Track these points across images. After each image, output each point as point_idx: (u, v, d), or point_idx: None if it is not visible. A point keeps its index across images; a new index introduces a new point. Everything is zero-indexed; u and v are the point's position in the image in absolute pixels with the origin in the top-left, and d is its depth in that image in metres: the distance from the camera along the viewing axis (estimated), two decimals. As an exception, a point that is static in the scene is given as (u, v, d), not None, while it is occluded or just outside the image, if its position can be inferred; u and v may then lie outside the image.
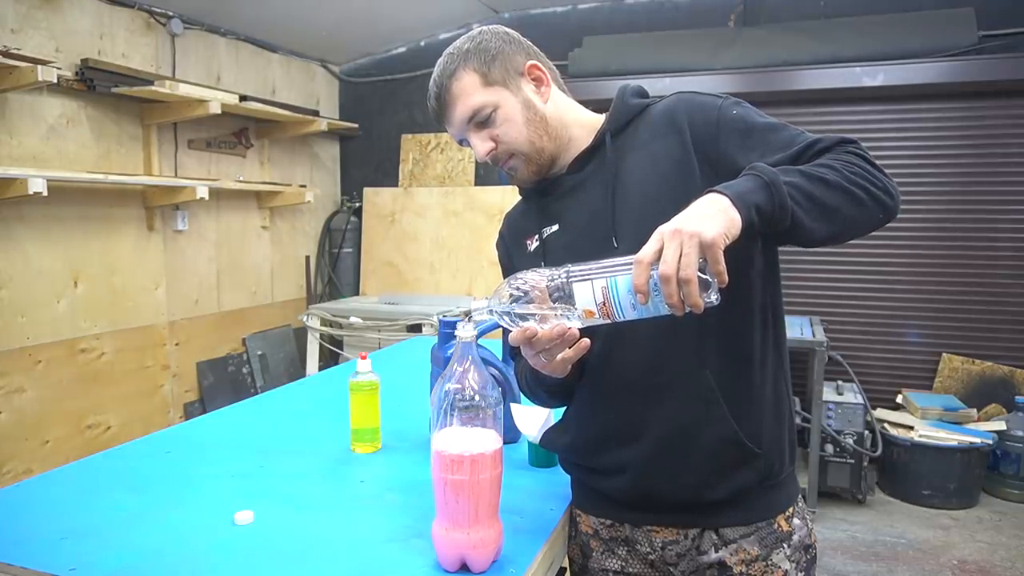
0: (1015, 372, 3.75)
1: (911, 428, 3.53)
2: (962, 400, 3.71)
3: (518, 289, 0.90)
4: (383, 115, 5.00)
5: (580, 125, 1.14)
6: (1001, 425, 3.52)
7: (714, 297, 0.83)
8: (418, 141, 4.93)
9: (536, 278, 0.90)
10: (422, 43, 4.82)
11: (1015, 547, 3.07)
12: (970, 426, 3.54)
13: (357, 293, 4.96)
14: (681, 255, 0.80)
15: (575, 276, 0.88)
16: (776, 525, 1.09)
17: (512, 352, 1.24)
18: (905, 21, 3.76)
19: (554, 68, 1.15)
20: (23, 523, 1.10)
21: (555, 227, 1.15)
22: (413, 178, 4.95)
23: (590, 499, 1.17)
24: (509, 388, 1.45)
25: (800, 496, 1.15)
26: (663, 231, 0.83)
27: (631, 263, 0.84)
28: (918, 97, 3.83)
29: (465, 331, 0.94)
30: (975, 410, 3.66)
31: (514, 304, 0.90)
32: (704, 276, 0.82)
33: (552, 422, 1.31)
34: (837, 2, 3.94)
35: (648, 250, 0.83)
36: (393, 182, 4.99)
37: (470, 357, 0.93)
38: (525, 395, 1.23)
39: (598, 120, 1.15)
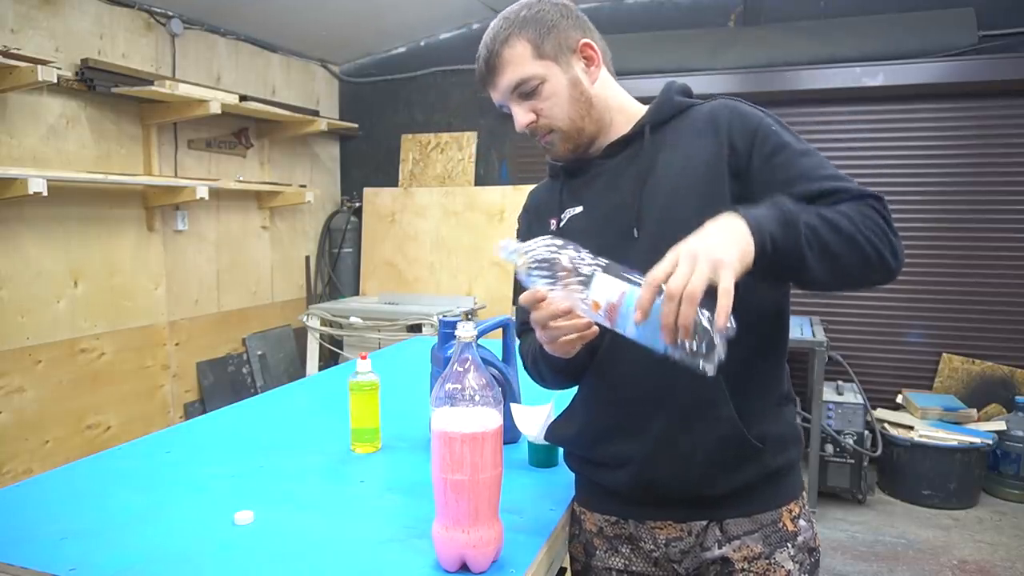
0: (1015, 372, 3.75)
1: (911, 428, 3.53)
2: (962, 400, 3.71)
3: (550, 253, 0.90)
4: (383, 115, 4.99)
5: (622, 112, 1.13)
6: (1001, 425, 3.52)
7: (713, 360, 0.81)
8: (418, 141, 4.93)
9: (572, 254, 0.90)
10: (422, 43, 4.82)
11: (1015, 547, 3.07)
12: (970, 426, 3.54)
13: (357, 293, 4.96)
14: (693, 274, 0.80)
15: (606, 270, 0.88)
16: (781, 524, 1.09)
17: (521, 330, 1.24)
18: (905, 21, 3.76)
19: (607, 49, 1.14)
20: (23, 523, 1.10)
21: (579, 209, 1.15)
22: (413, 178, 4.95)
23: (594, 496, 1.17)
24: (509, 388, 1.45)
25: (803, 494, 1.15)
26: (679, 251, 0.83)
27: (590, 258, 0.87)
28: (918, 97, 3.83)
29: (465, 331, 0.94)
30: (975, 410, 3.66)
31: (538, 266, 0.90)
32: (705, 325, 0.80)
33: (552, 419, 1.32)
34: (837, 2, 3.94)
35: (660, 269, 0.83)
36: (393, 182, 4.99)
37: (470, 357, 0.93)
38: (528, 372, 1.23)
39: (640, 111, 1.14)
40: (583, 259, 0.90)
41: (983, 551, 3.04)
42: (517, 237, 1.25)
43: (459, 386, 0.91)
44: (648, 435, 1.05)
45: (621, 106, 1.14)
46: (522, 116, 1.10)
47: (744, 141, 1.03)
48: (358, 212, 4.99)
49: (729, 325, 0.80)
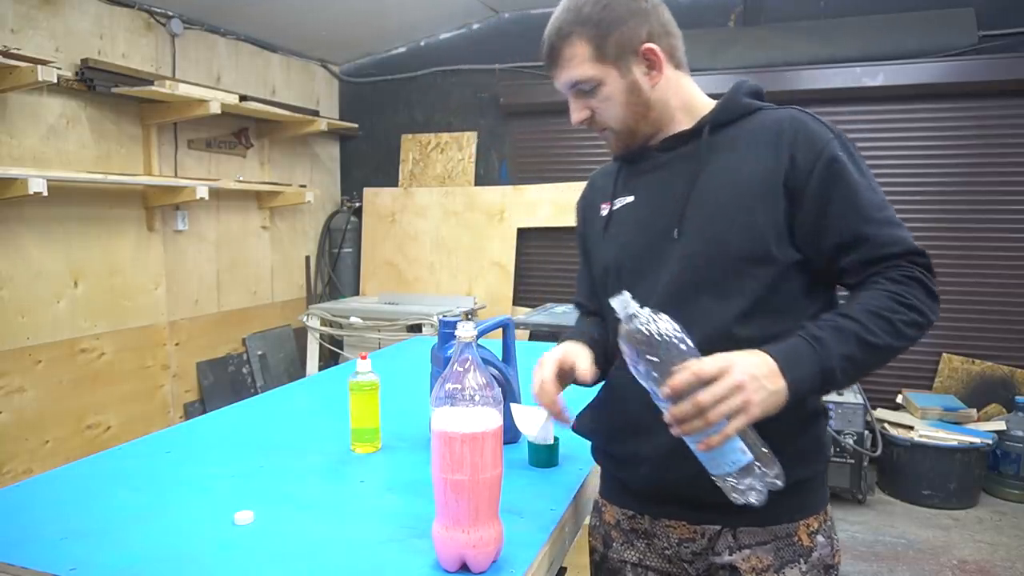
0: (1015, 372, 3.75)
1: (911, 428, 3.53)
2: (962, 400, 3.71)
3: (668, 336, 0.89)
4: (383, 115, 4.99)
5: (686, 109, 1.11)
6: (1001, 425, 3.52)
7: (748, 498, 0.90)
8: (418, 141, 4.93)
9: (685, 346, 0.90)
10: (422, 43, 4.82)
11: (1015, 547, 3.07)
12: (970, 426, 3.54)
13: (357, 293, 4.96)
14: (723, 405, 0.85)
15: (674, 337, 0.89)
16: (796, 539, 1.07)
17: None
18: (905, 21, 3.76)
19: (678, 45, 1.11)
20: (23, 523, 1.10)
21: (630, 199, 1.14)
22: (413, 178, 4.95)
23: (614, 489, 1.19)
24: (509, 388, 1.45)
25: (827, 509, 1.12)
26: (734, 369, 0.87)
27: (693, 359, 0.88)
28: (918, 97, 3.83)
29: (465, 331, 0.94)
30: (975, 410, 3.66)
31: (652, 341, 0.89)
32: (747, 456, 0.88)
33: (552, 423, 1.31)
34: (837, 2, 3.94)
35: (707, 373, 0.86)
36: (393, 182, 4.99)
37: (470, 357, 0.93)
38: None
39: (707, 106, 1.12)
40: (685, 352, 0.89)
41: (983, 551, 3.04)
42: (576, 220, 1.28)
43: (459, 386, 0.91)
44: (663, 437, 1.01)
45: (686, 104, 1.11)
46: (577, 113, 1.09)
47: (807, 161, 1.00)
48: (358, 212, 4.99)
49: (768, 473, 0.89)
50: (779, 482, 0.89)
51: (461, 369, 0.92)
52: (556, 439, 1.34)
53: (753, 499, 0.89)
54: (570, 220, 4.53)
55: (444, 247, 4.77)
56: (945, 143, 3.86)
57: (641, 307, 0.90)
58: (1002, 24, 3.65)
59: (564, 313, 3.87)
